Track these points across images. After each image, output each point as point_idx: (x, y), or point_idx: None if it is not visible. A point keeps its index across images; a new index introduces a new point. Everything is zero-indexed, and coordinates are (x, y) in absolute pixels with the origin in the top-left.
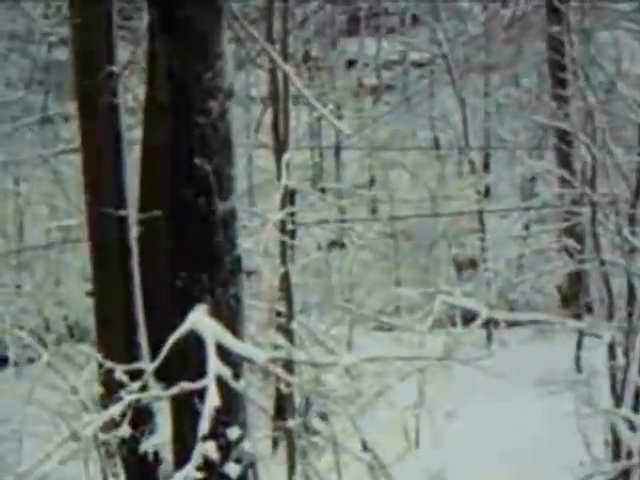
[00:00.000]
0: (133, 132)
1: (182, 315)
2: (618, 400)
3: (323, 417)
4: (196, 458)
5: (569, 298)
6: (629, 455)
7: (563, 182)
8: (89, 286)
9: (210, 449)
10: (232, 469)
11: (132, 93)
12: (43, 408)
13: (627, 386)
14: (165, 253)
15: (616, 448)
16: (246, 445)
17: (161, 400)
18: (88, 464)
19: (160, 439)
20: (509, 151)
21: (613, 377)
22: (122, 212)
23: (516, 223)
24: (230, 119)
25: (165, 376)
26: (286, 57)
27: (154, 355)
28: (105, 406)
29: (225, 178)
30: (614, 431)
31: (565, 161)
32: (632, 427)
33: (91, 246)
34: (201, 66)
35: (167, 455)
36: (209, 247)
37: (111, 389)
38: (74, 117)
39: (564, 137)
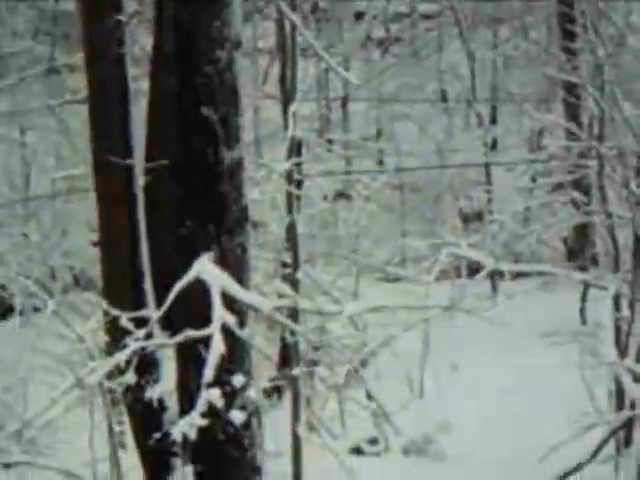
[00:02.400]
0: (140, 82)
1: (188, 264)
2: (622, 352)
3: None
4: (201, 405)
5: (575, 250)
6: (632, 406)
7: (570, 135)
8: (95, 236)
9: (215, 396)
10: (236, 416)
11: (139, 43)
12: (49, 357)
13: (631, 338)
14: (171, 202)
15: (619, 399)
16: (251, 393)
17: (166, 348)
18: (93, 411)
19: (165, 387)
20: (517, 104)
21: (618, 329)
22: (128, 162)
23: (523, 176)
24: (237, 69)
25: (170, 324)
26: (294, 8)
27: (160, 304)
28: (111, 354)
29: (232, 128)
30: (618, 382)
31: (573, 114)
32: (636, 378)
33: (97, 196)
34: (209, 16)
35: (172, 403)
36: (215, 196)
37: (117, 337)
38: (81, 67)
39: (572, 90)
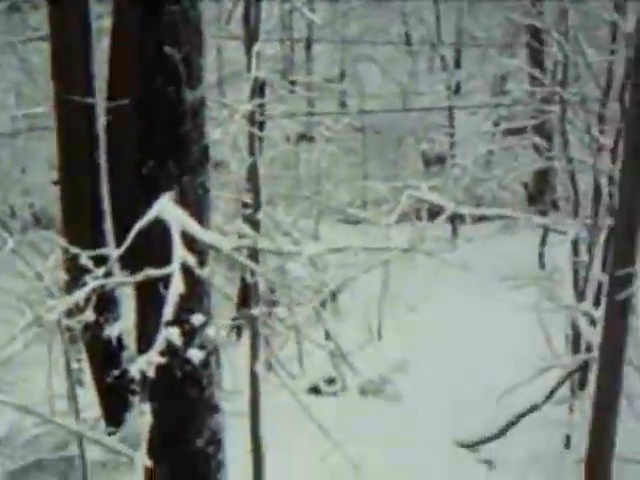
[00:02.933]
0: (102, 21)
1: (148, 203)
2: (579, 296)
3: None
4: (159, 343)
5: (535, 195)
6: (588, 349)
7: (534, 80)
8: (56, 174)
9: (173, 335)
10: (195, 354)
11: None
12: (8, 295)
13: (589, 282)
14: (133, 141)
15: (576, 342)
16: (209, 332)
17: (125, 287)
18: (51, 349)
19: (124, 325)
20: (481, 48)
21: (575, 273)
22: (90, 100)
23: (485, 120)
24: (201, 8)
25: (130, 263)
26: None
27: (119, 243)
28: (70, 293)
29: (194, 67)
30: (574, 326)
31: (537, 59)
32: (592, 322)
33: (58, 134)
34: None
35: (130, 342)
36: (177, 135)
37: (76, 276)
38: (43, 4)
39: (537, 35)
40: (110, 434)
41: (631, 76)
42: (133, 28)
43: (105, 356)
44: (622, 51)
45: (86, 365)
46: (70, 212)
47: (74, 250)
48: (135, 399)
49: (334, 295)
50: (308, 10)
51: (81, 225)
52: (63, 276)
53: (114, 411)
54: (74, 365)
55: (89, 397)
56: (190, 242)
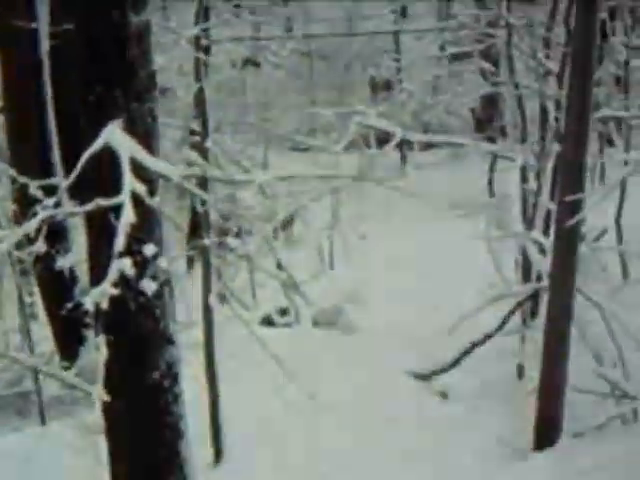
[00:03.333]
0: None
1: (96, 131)
2: (529, 223)
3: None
4: (112, 274)
5: (483, 121)
6: (538, 278)
7: (479, 3)
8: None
9: (126, 266)
10: (148, 285)
11: None
12: None
13: (538, 209)
14: (78, 68)
15: (526, 271)
16: (162, 262)
17: (75, 217)
18: (2, 281)
19: (75, 257)
20: None
21: (524, 200)
22: (33, 25)
23: (432, 44)
24: None
25: (79, 193)
26: None
27: (68, 172)
28: (19, 224)
29: None
30: (524, 254)
31: None
32: (542, 250)
33: (2, 60)
34: None
35: (82, 274)
36: (123, 61)
37: (25, 207)
38: None
39: None
40: (65, 368)
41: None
42: None
43: (57, 289)
44: None
45: (38, 298)
46: (17, 141)
47: (22, 180)
48: (89, 332)
49: (285, 224)
50: None
51: (28, 153)
52: (12, 207)
53: (68, 345)
54: (26, 299)
55: (43, 331)
56: (139, 171)
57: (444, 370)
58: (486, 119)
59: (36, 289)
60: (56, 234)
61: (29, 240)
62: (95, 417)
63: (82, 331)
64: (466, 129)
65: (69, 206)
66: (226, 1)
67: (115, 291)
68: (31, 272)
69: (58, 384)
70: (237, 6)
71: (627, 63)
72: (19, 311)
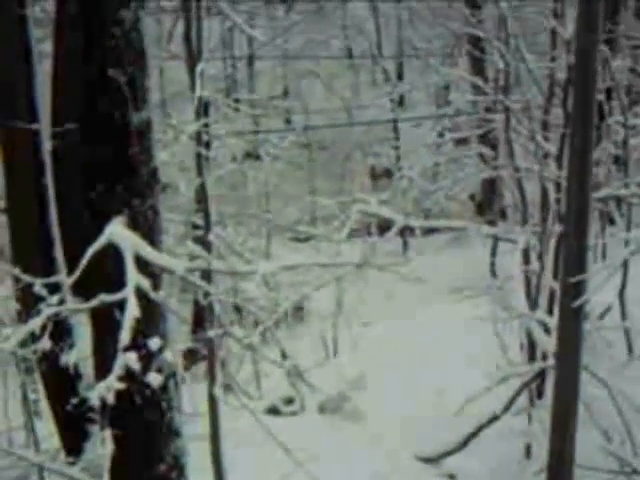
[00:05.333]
0: (42, 45)
1: (99, 228)
2: (533, 304)
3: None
4: (118, 369)
5: (483, 205)
6: (544, 357)
7: (476, 89)
8: (2, 203)
9: (131, 360)
10: (154, 379)
11: (40, 4)
12: None
13: (541, 290)
14: (80, 166)
15: (531, 351)
16: (167, 355)
17: (80, 314)
18: (7, 380)
19: (80, 353)
20: (423, 59)
21: (527, 281)
22: (35, 126)
23: (430, 131)
24: (143, 29)
25: (83, 290)
26: None
27: (71, 270)
28: (22, 322)
29: (139, 89)
30: (529, 334)
31: (478, 68)
32: (547, 330)
33: (3, 161)
34: None
35: (87, 370)
36: (125, 158)
37: (28, 305)
38: None
39: (477, 44)
40: (70, 464)
41: (573, 82)
42: (75, 52)
43: (62, 385)
44: (563, 57)
45: (42, 396)
46: (19, 241)
47: (26, 279)
48: (94, 428)
49: (290, 314)
50: (248, 27)
51: (31, 253)
52: (15, 306)
53: (73, 441)
54: (30, 396)
55: (47, 428)
56: (143, 266)
57: (452, 452)
58: (486, 202)
59: (40, 386)
60: (60, 331)
61: (33, 338)
62: None
63: (87, 427)
64: (467, 213)
65: (73, 303)
66: (226, 97)
67: (121, 385)
68: (35, 369)
69: None
70: (236, 100)
71: (625, 142)
72: (23, 408)
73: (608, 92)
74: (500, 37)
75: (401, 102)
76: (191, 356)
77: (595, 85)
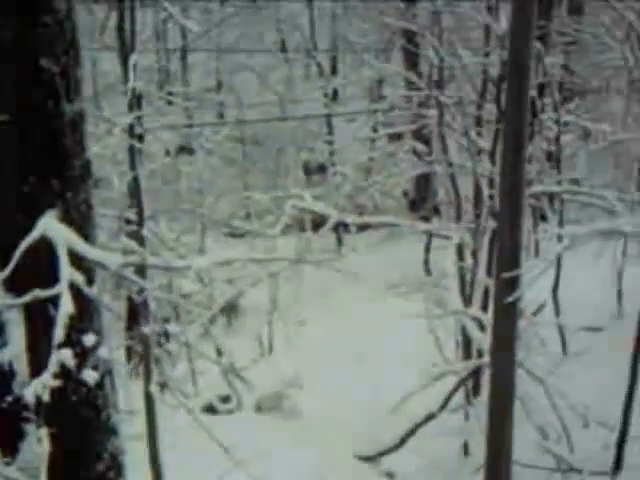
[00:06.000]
0: None
1: (31, 221)
2: (467, 300)
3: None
4: (52, 366)
5: (417, 201)
6: (479, 354)
7: (410, 84)
8: None
9: (66, 356)
10: (89, 376)
11: None
12: None
13: (476, 286)
14: (12, 158)
15: (467, 348)
16: (102, 352)
17: (13, 310)
18: None
19: (13, 350)
20: (357, 54)
21: (462, 278)
22: None
23: (364, 126)
24: (76, 19)
25: (16, 285)
26: None
27: (3, 265)
28: None
29: (72, 80)
30: (464, 331)
31: (412, 63)
32: (481, 327)
33: None
34: None
35: (21, 367)
36: (57, 151)
37: None
38: None
39: (411, 39)
40: (6, 464)
41: (506, 77)
42: (7, 40)
43: None
44: (496, 53)
45: None
46: None
47: None
48: (29, 426)
49: (225, 310)
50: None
51: None
52: None
53: (8, 440)
54: None
55: None
56: (77, 260)
57: (390, 451)
58: (420, 198)
59: None
60: None
61: None
62: None
63: (22, 425)
64: (401, 210)
65: (6, 298)
66: (159, 89)
67: (56, 382)
68: None
69: None
70: (170, 93)
71: (558, 139)
72: None
73: (541, 88)
74: (434, 32)
75: (335, 96)
76: (126, 353)
77: (529, 81)
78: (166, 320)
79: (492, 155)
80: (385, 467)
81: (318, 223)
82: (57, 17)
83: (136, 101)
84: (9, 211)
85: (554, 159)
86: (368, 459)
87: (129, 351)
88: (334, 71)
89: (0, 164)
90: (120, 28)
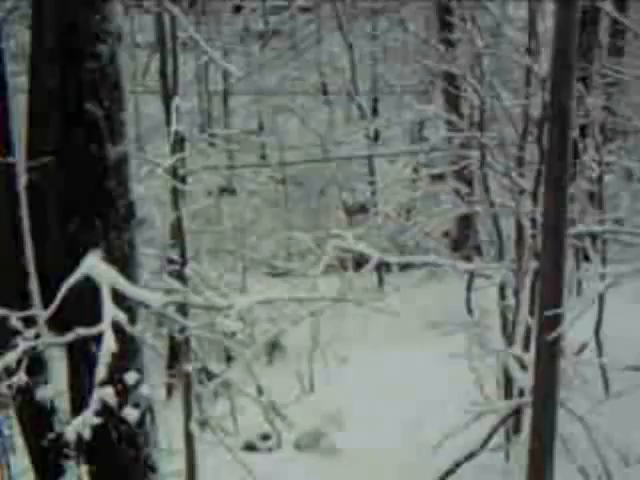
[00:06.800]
0: (16, 79)
1: (75, 262)
2: (509, 340)
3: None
4: (94, 403)
5: (458, 241)
6: (520, 393)
7: (451, 126)
8: None
9: (108, 394)
10: (130, 414)
11: (15, 39)
12: None
13: (517, 326)
14: (56, 200)
15: (508, 387)
16: (144, 389)
17: (56, 348)
18: None
19: (56, 388)
20: (397, 95)
21: (504, 317)
22: (10, 159)
23: (405, 167)
24: (120, 63)
25: (59, 324)
26: (174, 1)
27: (47, 304)
28: None
29: (116, 122)
30: (506, 370)
31: (453, 104)
32: (523, 366)
33: None
34: (89, 9)
35: (63, 405)
36: (102, 192)
37: (3, 339)
38: None
39: (452, 81)
40: None
41: (548, 118)
42: (51, 86)
43: (37, 421)
44: (537, 94)
45: (17, 431)
46: None
47: (2, 312)
48: (69, 464)
49: (266, 349)
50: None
51: (6, 287)
52: None
53: (49, 477)
54: (5, 431)
55: (22, 464)
56: (120, 300)
57: None
58: (462, 238)
59: (15, 421)
60: (36, 365)
61: (9, 372)
62: None
63: (62, 462)
64: (442, 249)
65: (49, 336)
66: (201, 132)
67: (97, 420)
68: (10, 405)
69: None
70: (212, 136)
71: (600, 179)
72: None
73: (583, 129)
74: (475, 74)
75: (376, 138)
76: (167, 391)
77: (571, 122)
78: (207, 359)
79: (534, 195)
80: None
81: (360, 263)
82: (100, 62)
83: (179, 143)
84: (53, 251)
85: (596, 199)
86: None
87: (170, 389)
88: (375, 113)
89: (45, 205)
90: (162, 72)
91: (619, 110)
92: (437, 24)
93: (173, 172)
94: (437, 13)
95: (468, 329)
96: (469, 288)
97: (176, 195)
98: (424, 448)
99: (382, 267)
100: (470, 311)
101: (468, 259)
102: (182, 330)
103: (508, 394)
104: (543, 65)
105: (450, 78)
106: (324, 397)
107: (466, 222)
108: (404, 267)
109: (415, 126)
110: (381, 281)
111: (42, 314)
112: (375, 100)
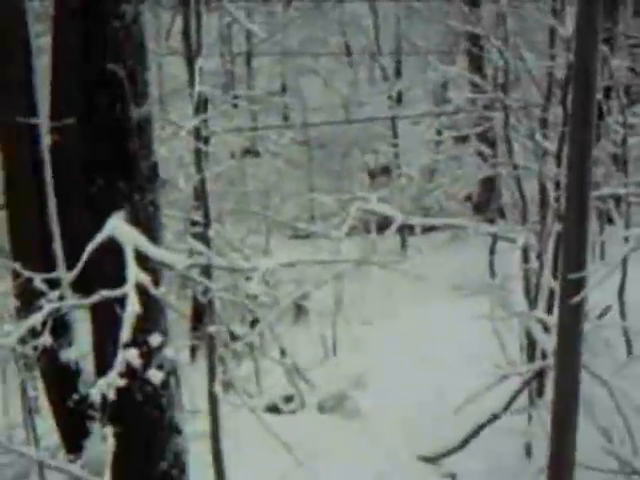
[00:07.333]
0: (40, 39)
1: (98, 223)
2: (532, 303)
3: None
4: (119, 365)
5: (481, 203)
6: (543, 356)
7: (475, 87)
8: (1, 198)
9: (132, 356)
10: (154, 375)
11: None
12: None
13: (540, 289)
14: (80, 161)
15: (531, 350)
16: (168, 351)
17: (80, 310)
18: (7, 376)
19: (80, 350)
20: (421, 56)
21: (527, 280)
22: (34, 120)
23: (429, 129)
24: (143, 23)
25: (83, 286)
26: None
27: (71, 265)
28: (21, 318)
29: (139, 83)
30: (528, 333)
31: (477, 66)
32: (546, 329)
33: (2, 156)
34: None
35: (87, 366)
36: (125, 153)
37: (27, 301)
38: None
39: (476, 41)
40: (71, 461)
41: (572, 80)
42: (75, 46)
43: (62, 382)
44: (562, 55)
45: (42, 392)
46: (19, 236)
47: (26, 274)
48: (94, 425)
49: (289, 311)
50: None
51: (30, 249)
52: (14, 301)
53: (73, 438)
54: (30, 393)
55: (47, 425)
56: (143, 261)
57: (452, 452)
58: (485, 201)
59: (40, 383)
60: (60, 327)
61: (33, 334)
62: None
63: (87, 423)
64: (465, 212)
65: (74, 298)
66: (224, 93)
67: (122, 382)
68: (35, 366)
69: (64, 478)
70: (235, 97)
71: (624, 141)
72: (23, 405)
73: (607, 91)
74: (499, 35)
75: (399, 99)
76: (191, 353)
77: (595, 84)
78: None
79: (558, 157)
80: (447, 468)
81: (383, 225)
82: (124, 22)
83: (202, 104)
84: (77, 213)
85: (620, 162)
86: (430, 460)
87: (193, 351)
88: (398, 74)
89: (68, 166)
90: (186, 32)
91: None
92: None
93: (196, 133)
94: None
95: (491, 292)
96: (492, 251)
97: (199, 157)
98: (447, 411)
99: (405, 229)
100: (493, 274)
101: (491, 222)
102: (205, 292)
103: (531, 357)
104: (568, 26)
105: (474, 39)
106: (347, 360)
107: (489, 184)
108: (427, 230)
109: (438, 87)
110: (404, 244)
111: (66, 276)
112: (398, 61)
